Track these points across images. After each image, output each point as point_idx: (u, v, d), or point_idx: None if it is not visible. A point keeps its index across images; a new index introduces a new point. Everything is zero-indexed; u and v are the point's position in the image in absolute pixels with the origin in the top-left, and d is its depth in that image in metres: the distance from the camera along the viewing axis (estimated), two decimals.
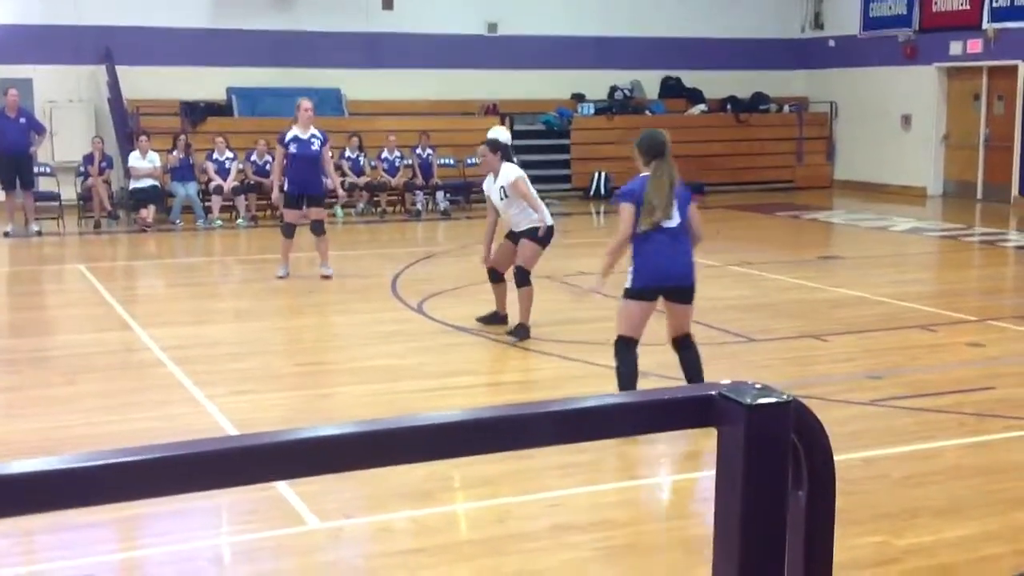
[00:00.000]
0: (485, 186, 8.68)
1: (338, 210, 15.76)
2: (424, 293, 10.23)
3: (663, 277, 6.18)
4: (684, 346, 6.40)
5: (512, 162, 8.61)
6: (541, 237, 8.41)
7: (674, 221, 6.12)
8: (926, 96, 19.23)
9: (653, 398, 0.88)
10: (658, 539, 4.89)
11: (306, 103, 11.08)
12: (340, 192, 11.04)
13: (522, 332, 8.36)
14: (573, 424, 0.87)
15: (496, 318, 8.80)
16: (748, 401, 0.85)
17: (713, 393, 0.87)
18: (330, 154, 11.22)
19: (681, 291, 6.23)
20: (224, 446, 0.78)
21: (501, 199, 8.43)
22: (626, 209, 6.17)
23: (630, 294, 6.24)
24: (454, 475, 5.50)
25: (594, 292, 6.80)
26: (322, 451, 0.81)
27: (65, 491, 0.72)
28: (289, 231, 11.11)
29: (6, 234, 14.15)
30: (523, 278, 8.42)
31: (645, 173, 6.22)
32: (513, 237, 8.59)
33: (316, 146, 10.92)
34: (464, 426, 0.83)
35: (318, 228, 11.13)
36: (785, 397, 0.86)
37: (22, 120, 14.56)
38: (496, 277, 8.73)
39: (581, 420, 0.87)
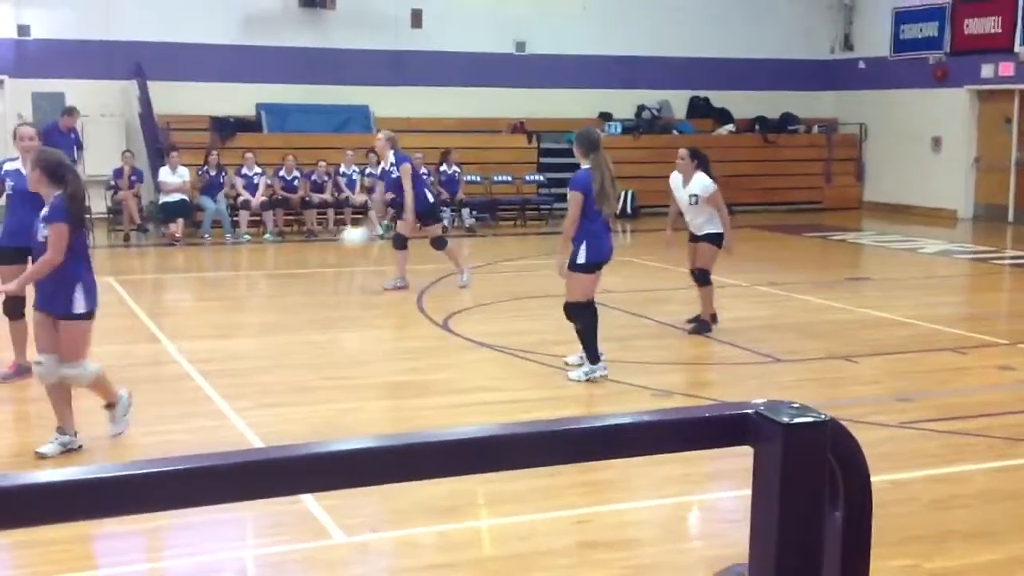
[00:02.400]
0: (672, 182, 9.40)
1: (379, 227, 15.84)
2: (449, 310, 10.24)
3: (606, 253, 7.64)
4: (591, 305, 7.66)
5: (709, 174, 9.27)
6: (721, 242, 9.22)
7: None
8: (957, 118, 19.12)
9: (688, 416, 0.87)
10: (684, 559, 4.86)
11: (376, 136, 11.67)
12: (408, 217, 11.22)
13: (702, 326, 9.19)
14: (606, 441, 0.87)
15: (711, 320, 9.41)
16: (785, 420, 0.84)
17: (749, 412, 0.86)
18: (408, 174, 11.25)
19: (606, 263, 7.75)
20: (250, 459, 0.78)
21: (691, 204, 9.22)
22: (578, 197, 7.43)
23: (584, 268, 7.52)
24: (479, 491, 5.49)
25: (561, 276, 7.71)
26: (349, 465, 0.81)
27: (93, 501, 0.73)
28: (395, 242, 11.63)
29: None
30: (704, 278, 9.21)
31: (586, 166, 7.46)
32: (694, 239, 9.33)
33: (394, 173, 11.25)
34: (493, 441, 0.83)
35: (398, 241, 11.43)
36: (822, 417, 0.85)
37: (72, 136, 14.75)
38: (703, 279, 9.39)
39: (614, 437, 0.87)
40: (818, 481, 0.84)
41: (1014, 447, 6.27)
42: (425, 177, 16.71)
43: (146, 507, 0.75)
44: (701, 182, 9.11)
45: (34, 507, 0.71)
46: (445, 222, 16.67)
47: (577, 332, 7.63)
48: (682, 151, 9.39)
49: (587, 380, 7.56)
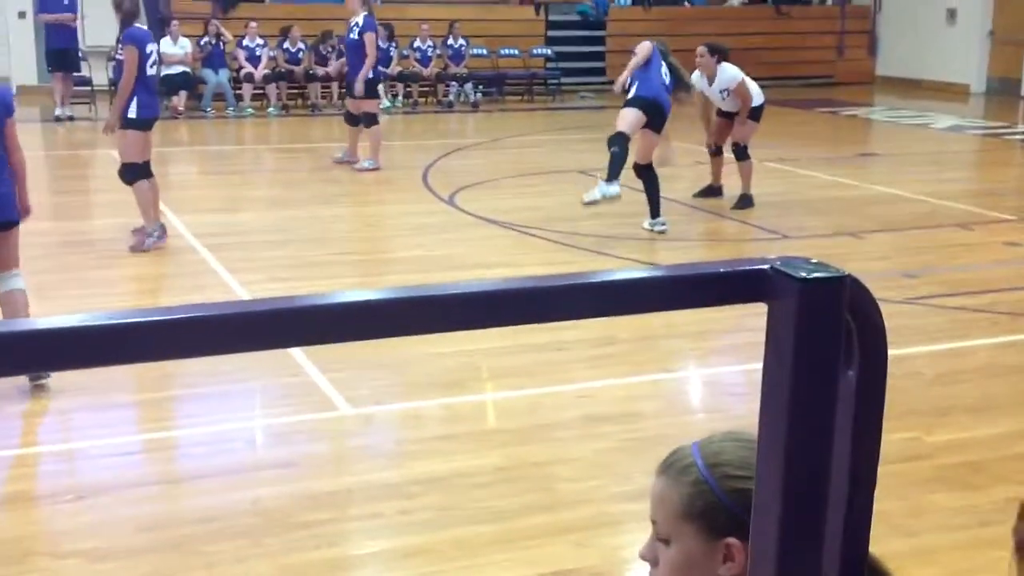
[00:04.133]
0: (697, 82, 9.16)
1: (386, 100, 15.62)
2: (456, 185, 10.17)
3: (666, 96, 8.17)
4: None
5: (728, 62, 9.21)
6: (759, 117, 9.40)
7: None
8: None
9: (702, 271, 0.85)
10: (687, 431, 4.89)
11: None
12: (358, 86, 10.79)
13: (746, 202, 9.24)
14: (618, 296, 0.84)
15: (711, 191, 9.62)
16: (802, 275, 0.81)
17: (765, 267, 0.83)
18: (373, 42, 10.97)
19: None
20: (254, 308, 0.75)
21: (724, 99, 9.31)
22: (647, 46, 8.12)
23: (639, 103, 8.07)
24: (485, 365, 5.54)
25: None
26: (353, 317, 0.78)
27: (100, 347, 0.71)
28: (345, 117, 11.48)
29: (57, 119, 14.11)
30: (743, 153, 9.30)
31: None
32: (725, 115, 9.42)
33: (354, 34, 10.81)
34: (503, 295, 0.80)
35: (349, 117, 11.12)
36: (840, 272, 0.82)
37: (66, 3, 14.45)
38: (716, 151, 9.57)
39: (627, 292, 0.84)
40: (834, 338, 0.82)
41: (1018, 322, 6.29)
42: (425, 49, 16.46)
43: (151, 355, 0.73)
44: (726, 74, 9.11)
45: (41, 352, 0.69)
46: (451, 96, 16.48)
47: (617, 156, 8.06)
48: (700, 48, 9.20)
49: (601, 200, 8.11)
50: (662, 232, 8.25)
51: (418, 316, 0.80)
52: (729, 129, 9.38)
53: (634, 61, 8.17)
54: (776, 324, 0.84)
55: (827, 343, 0.84)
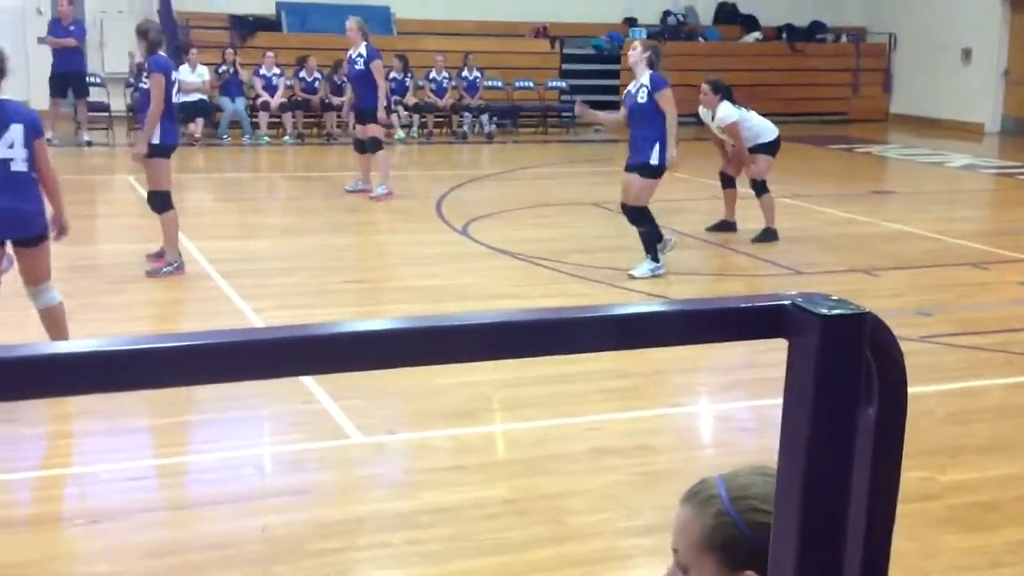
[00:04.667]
0: (702, 116, 9.47)
1: (400, 132, 15.71)
2: (469, 216, 10.20)
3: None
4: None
5: (732, 102, 9.23)
6: (773, 151, 9.40)
7: None
8: (988, 29, 18.71)
9: (723, 306, 0.85)
10: (697, 466, 4.89)
11: (348, 23, 11.16)
12: (381, 114, 10.93)
13: (770, 235, 9.27)
14: (636, 329, 0.84)
15: (725, 225, 9.60)
16: (823, 312, 0.81)
17: (786, 303, 0.83)
18: (380, 69, 11.09)
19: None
20: (267, 336, 0.76)
21: (722, 134, 9.38)
22: (669, 95, 7.78)
23: (659, 171, 7.88)
24: (495, 397, 5.53)
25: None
26: (364, 346, 0.78)
27: (113, 372, 0.71)
28: (355, 145, 11.51)
29: (49, 141, 14.22)
30: (761, 189, 9.33)
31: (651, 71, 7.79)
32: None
33: (359, 65, 10.92)
34: (516, 327, 0.80)
35: (358, 145, 11.24)
36: (861, 309, 0.82)
37: (72, 28, 14.60)
38: (727, 182, 9.60)
39: (645, 325, 0.84)
40: (854, 375, 0.82)
41: None
42: (441, 80, 16.56)
43: (161, 382, 0.73)
44: (721, 112, 9.15)
45: (52, 378, 0.69)
46: (466, 127, 16.55)
47: (643, 236, 7.95)
48: (704, 85, 9.30)
49: (652, 277, 7.88)
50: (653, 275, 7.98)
51: (430, 346, 0.81)
52: (748, 161, 9.39)
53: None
54: (796, 360, 0.84)
55: (848, 380, 0.84)
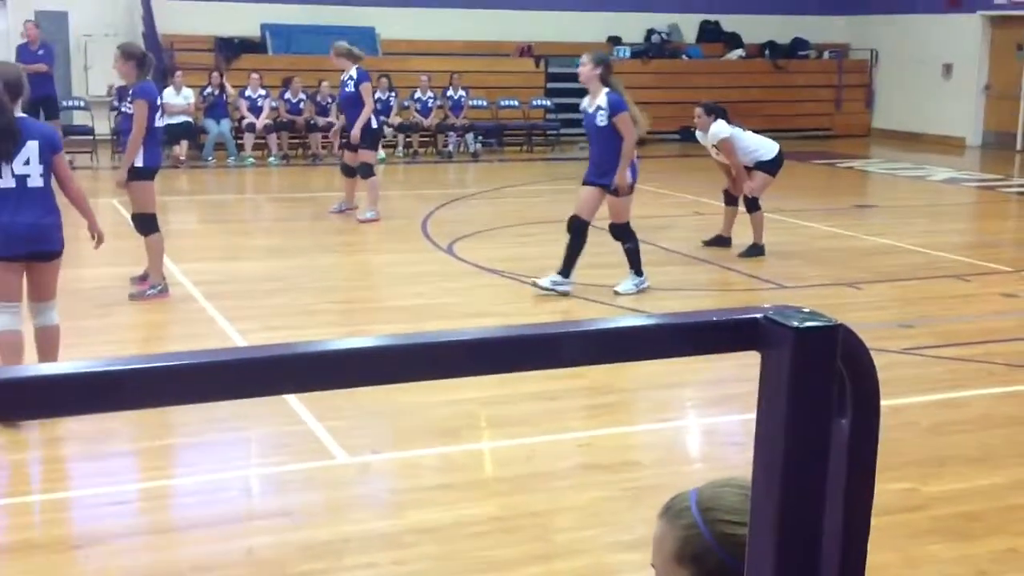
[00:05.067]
0: (699, 137, 9.68)
1: (381, 152, 15.72)
2: (455, 234, 10.21)
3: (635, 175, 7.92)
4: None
5: (727, 121, 9.35)
6: (771, 170, 9.56)
7: None
8: (968, 45, 18.87)
9: (695, 320, 0.86)
10: (685, 481, 4.88)
11: (332, 49, 11.20)
12: (355, 132, 10.90)
13: (756, 251, 9.40)
14: (611, 344, 0.85)
15: (720, 240, 9.72)
16: (795, 324, 0.82)
17: (758, 316, 0.84)
18: (370, 91, 11.11)
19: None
20: (251, 356, 0.76)
21: (716, 154, 9.52)
22: (627, 118, 7.62)
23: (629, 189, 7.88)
24: (482, 414, 5.53)
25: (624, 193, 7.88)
26: (348, 364, 0.79)
27: (97, 394, 0.72)
28: (343, 168, 11.49)
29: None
30: (753, 205, 9.47)
31: (608, 90, 7.68)
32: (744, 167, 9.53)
33: (349, 87, 10.94)
34: (498, 342, 0.81)
35: (346, 169, 11.24)
36: (833, 322, 0.83)
37: (41, 52, 14.60)
38: (728, 200, 9.73)
39: (619, 340, 0.85)
40: (827, 387, 0.83)
41: (1014, 373, 6.29)
42: (426, 100, 16.59)
43: (145, 402, 0.74)
44: (713, 130, 9.30)
45: (36, 400, 0.70)
46: (451, 147, 16.58)
47: (627, 251, 8.02)
48: (697, 109, 9.50)
49: (637, 292, 7.96)
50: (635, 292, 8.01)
51: (413, 363, 0.82)
52: (742, 178, 9.47)
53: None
54: (769, 373, 0.85)
55: (820, 392, 0.85)
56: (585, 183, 8.01)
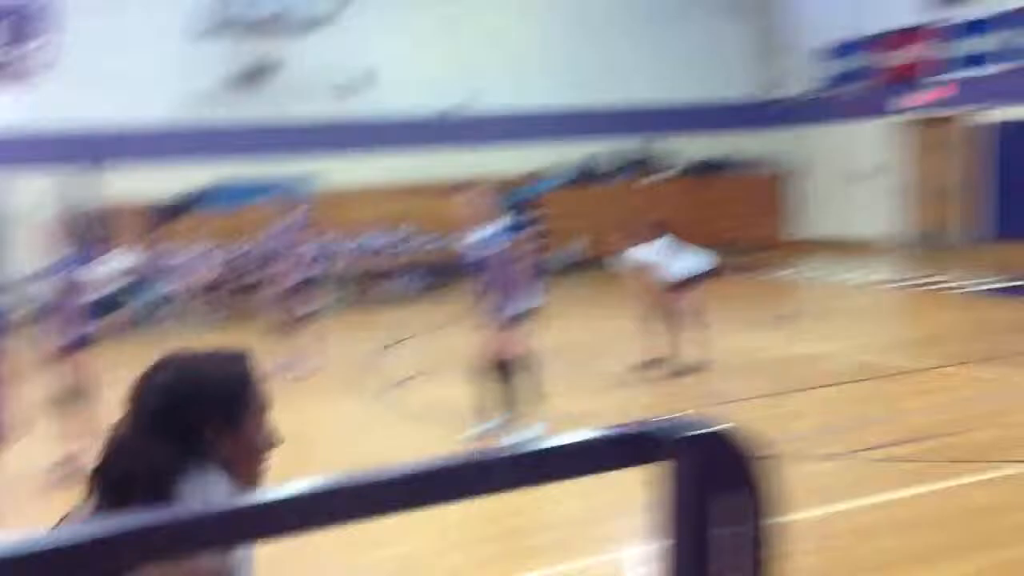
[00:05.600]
0: (622, 259, 10.14)
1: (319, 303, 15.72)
2: (394, 379, 10.15)
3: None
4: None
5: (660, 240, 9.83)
6: (691, 286, 9.94)
7: None
8: (887, 149, 19.44)
9: (587, 439, 0.89)
10: None
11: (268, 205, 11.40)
12: (288, 281, 11.20)
13: (684, 369, 9.42)
14: (505, 471, 0.88)
15: (652, 363, 9.65)
16: (678, 435, 0.86)
17: (647, 430, 0.88)
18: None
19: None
20: (177, 516, 0.78)
21: (638, 275, 9.90)
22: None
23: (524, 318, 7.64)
24: (416, 566, 5.36)
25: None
26: (269, 514, 0.81)
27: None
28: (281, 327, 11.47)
29: None
30: (677, 323, 9.68)
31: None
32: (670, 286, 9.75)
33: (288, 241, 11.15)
34: (423, 475, 0.84)
35: (286, 325, 11.28)
36: (714, 429, 0.88)
37: None
38: (658, 320, 9.77)
39: (512, 466, 0.88)
40: (711, 494, 0.86)
41: (943, 468, 6.35)
42: (369, 242, 16.66)
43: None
44: (636, 254, 9.90)
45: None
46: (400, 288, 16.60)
47: (508, 392, 7.53)
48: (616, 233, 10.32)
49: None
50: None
51: (335, 505, 0.82)
52: (670, 298, 9.61)
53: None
54: (663, 483, 0.88)
55: (704, 499, 0.87)
56: (486, 324, 7.77)
